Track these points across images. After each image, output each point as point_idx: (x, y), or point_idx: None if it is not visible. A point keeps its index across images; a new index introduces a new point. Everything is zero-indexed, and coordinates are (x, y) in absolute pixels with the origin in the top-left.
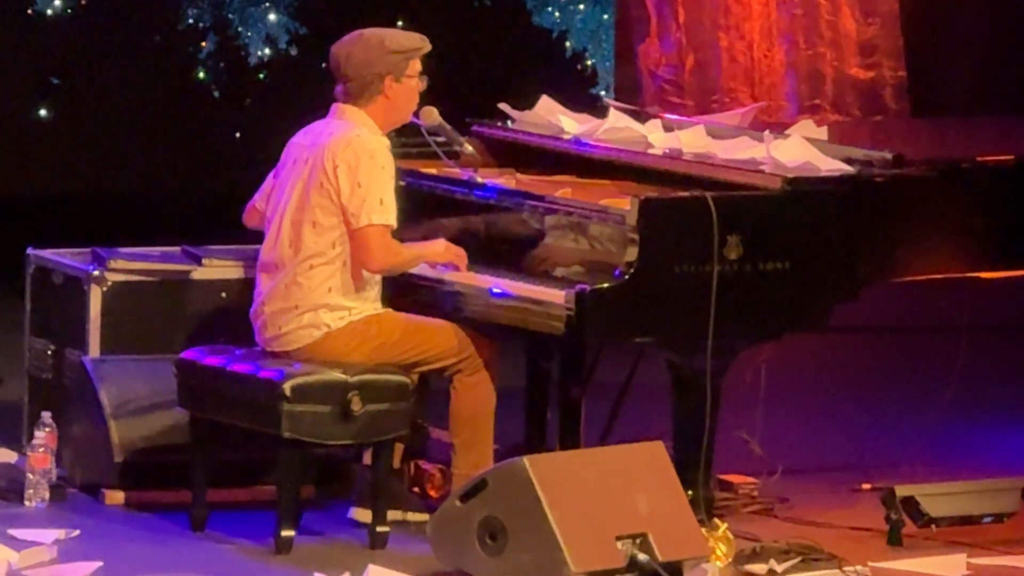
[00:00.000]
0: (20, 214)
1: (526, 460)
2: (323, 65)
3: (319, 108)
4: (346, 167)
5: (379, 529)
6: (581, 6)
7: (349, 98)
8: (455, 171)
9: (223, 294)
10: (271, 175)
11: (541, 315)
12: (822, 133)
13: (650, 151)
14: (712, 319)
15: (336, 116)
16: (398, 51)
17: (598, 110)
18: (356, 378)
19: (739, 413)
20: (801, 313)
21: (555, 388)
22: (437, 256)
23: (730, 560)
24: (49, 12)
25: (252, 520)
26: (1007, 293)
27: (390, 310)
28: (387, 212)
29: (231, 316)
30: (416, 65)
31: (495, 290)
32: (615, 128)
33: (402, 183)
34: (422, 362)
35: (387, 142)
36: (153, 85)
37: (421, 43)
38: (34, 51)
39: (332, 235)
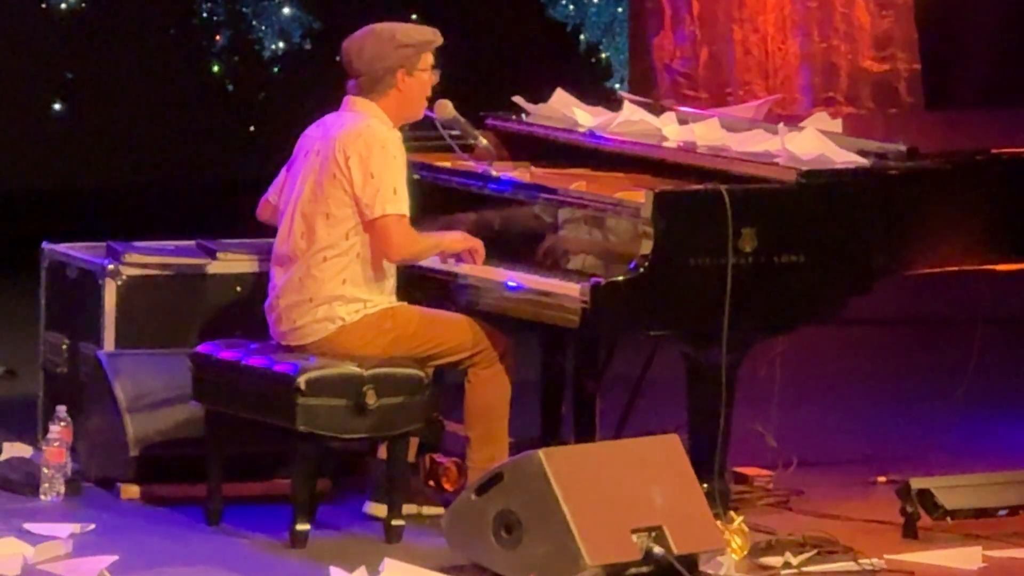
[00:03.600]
0: (35, 208)
1: (541, 453)
2: (337, 59)
3: (333, 102)
4: (358, 158)
5: (394, 523)
6: None
7: (361, 92)
8: (469, 164)
9: (238, 288)
10: (284, 168)
11: (556, 308)
12: (836, 126)
13: (664, 144)
14: (727, 312)
15: (348, 108)
16: (409, 44)
17: (612, 103)
18: (371, 372)
19: (754, 406)
20: (816, 305)
21: (570, 381)
22: (456, 244)
23: (745, 553)
24: (63, 6)
25: (267, 514)
26: (1022, 285)
27: (405, 303)
28: (401, 201)
29: (246, 310)
30: (428, 58)
31: (510, 283)
32: (629, 121)
33: (416, 176)
34: (437, 355)
35: (399, 132)
36: (167, 79)
37: (433, 36)
38: (48, 46)
39: (346, 226)
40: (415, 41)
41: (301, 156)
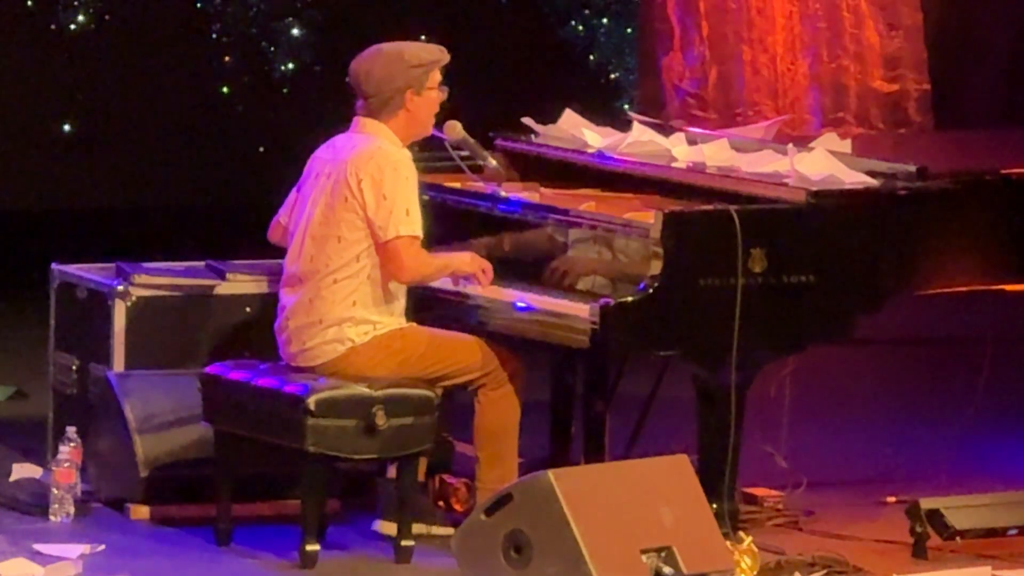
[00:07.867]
0: (44, 229)
1: (551, 474)
2: (346, 80)
3: (343, 122)
4: (370, 180)
5: (404, 543)
6: (605, 19)
7: (370, 113)
8: (479, 185)
9: (247, 309)
10: (294, 189)
11: (565, 329)
12: (846, 146)
13: (674, 164)
14: (736, 332)
15: (357, 130)
16: (418, 65)
17: (622, 123)
18: (381, 392)
19: (764, 426)
20: (825, 325)
21: (579, 402)
22: (465, 266)
23: (755, 573)
24: (72, 27)
25: (277, 534)
26: None
27: (414, 324)
28: (414, 223)
29: (255, 330)
30: (436, 77)
31: (519, 304)
32: (639, 141)
33: (426, 197)
34: (446, 376)
35: (409, 153)
36: (177, 100)
37: (440, 55)
38: (58, 67)
39: (357, 249)
40: (423, 61)
41: (311, 178)
